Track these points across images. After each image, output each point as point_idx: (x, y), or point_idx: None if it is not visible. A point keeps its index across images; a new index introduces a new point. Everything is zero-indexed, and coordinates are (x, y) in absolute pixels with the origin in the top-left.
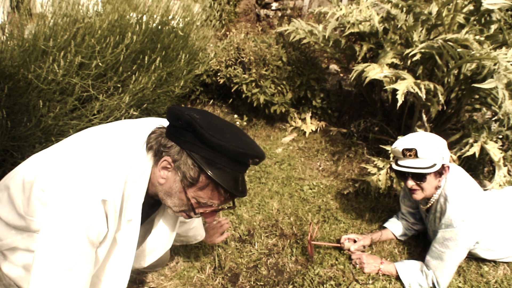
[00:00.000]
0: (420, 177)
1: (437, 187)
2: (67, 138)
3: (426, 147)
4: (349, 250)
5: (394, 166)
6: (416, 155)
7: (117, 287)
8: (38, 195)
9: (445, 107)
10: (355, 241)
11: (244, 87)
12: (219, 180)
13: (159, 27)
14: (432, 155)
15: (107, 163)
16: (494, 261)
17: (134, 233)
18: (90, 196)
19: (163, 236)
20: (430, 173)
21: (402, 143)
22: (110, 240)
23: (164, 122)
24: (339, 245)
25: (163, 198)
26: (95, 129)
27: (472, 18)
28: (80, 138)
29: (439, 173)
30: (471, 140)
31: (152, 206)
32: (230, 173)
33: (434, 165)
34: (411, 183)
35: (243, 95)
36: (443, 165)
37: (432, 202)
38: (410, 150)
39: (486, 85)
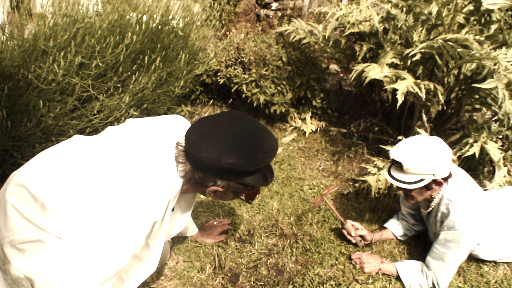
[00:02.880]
0: (405, 189)
1: (431, 196)
2: (81, 144)
3: (411, 164)
4: (348, 233)
5: (385, 174)
6: (401, 169)
7: (138, 280)
8: (63, 210)
9: (445, 107)
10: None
11: (244, 87)
12: (262, 184)
13: (159, 27)
14: (418, 172)
15: (154, 185)
16: (494, 262)
17: (162, 235)
18: (145, 222)
19: (180, 214)
20: (415, 188)
21: (394, 151)
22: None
23: (176, 128)
24: (342, 220)
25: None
26: (114, 138)
27: (472, 18)
28: (104, 149)
29: (427, 187)
30: (471, 140)
31: None
32: (263, 172)
33: (422, 180)
34: (399, 190)
35: (243, 95)
36: (435, 180)
37: (433, 206)
38: (397, 162)
39: (486, 85)
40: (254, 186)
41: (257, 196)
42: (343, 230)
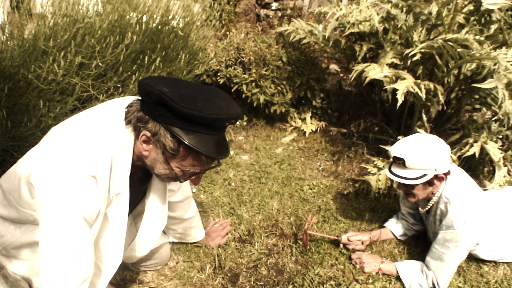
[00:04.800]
0: (408, 185)
1: (432, 193)
2: (50, 131)
3: (414, 159)
4: (345, 245)
5: (387, 172)
6: (404, 165)
7: (113, 263)
8: (26, 183)
9: (445, 107)
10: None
11: (244, 87)
12: (198, 148)
13: (159, 27)
14: (421, 167)
15: (91, 139)
16: (494, 262)
17: (124, 206)
18: (78, 173)
19: (154, 225)
20: (418, 184)
21: (394, 149)
22: (102, 217)
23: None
24: (335, 237)
25: (150, 168)
26: (76, 116)
27: (472, 18)
28: (62, 127)
29: (429, 183)
30: (471, 140)
31: (142, 180)
32: (208, 138)
33: (424, 175)
34: (401, 188)
35: (243, 95)
36: (436, 175)
37: (431, 205)
38: (399, 159)
39: (486, 85)
40: (186, 144)
41: (201, 177)
42: (342, 244)
